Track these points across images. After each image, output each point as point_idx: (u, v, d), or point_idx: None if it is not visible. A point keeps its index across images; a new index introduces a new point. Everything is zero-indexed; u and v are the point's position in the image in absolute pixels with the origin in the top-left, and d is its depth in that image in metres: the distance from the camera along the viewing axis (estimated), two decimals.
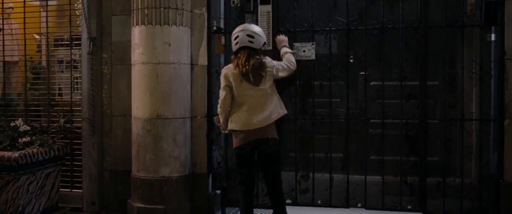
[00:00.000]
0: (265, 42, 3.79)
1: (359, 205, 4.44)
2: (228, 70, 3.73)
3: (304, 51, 4.43)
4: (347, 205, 4.45)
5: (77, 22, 4.86)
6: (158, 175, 4.34)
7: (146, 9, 4.33)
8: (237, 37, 3.69)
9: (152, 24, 4.32)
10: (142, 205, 4.36)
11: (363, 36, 4.35)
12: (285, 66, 3.81)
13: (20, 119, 4.65)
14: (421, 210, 4.28)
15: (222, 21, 4.73)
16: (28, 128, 4.49)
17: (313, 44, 4.41)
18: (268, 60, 3.73)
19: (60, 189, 4.76)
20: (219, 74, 4.55)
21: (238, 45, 3.68)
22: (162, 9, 4.32)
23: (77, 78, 4.94)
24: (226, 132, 3.86)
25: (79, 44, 4.84)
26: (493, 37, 4.26)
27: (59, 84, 5.10)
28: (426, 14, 4.20)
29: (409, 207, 4.38)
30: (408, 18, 4.33)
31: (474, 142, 4.49)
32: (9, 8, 5.36)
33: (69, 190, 4.90)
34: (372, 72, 4.62)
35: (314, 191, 4.49)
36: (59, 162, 4.64)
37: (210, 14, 4.57)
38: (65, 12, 4.97)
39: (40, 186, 4.43)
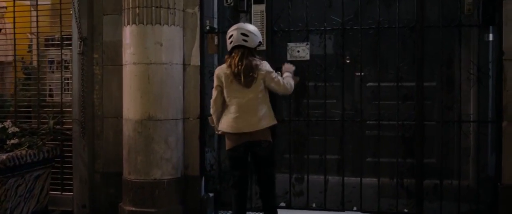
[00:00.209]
0: (260, 42, 3.71)
1: (355, 208, 4.38)
2: (220, 70, 3.67)
3: (298, 51, 4.37)
4: (342, 208, 4.38)
5: (68, 22, 4.77)
6: (150, 177, 4.27)
7: (137, 8, 4.26)
8: (231, 36, 3.63)
9: (143, 24, 4.25)
10: (134, 208, 4.28)
11: (359, 36, 4.29)
12: (281, 82, 3.64)
13: (8, 120, 4.56)
14: (417, 213, 4.21)
15: (215, 21, 4.68)
16: (17, 129, 4.40)
17: (307, 44, 4.35)
18: (264, 64, 3.62)
19: (50, 192, 4.67)
20: (212, 74, 4.50)
21: (232, 44, 3.62)
22: (153, 8, 4.25)
23: (68, 79, 4.86)
24: (219, 133, 3.78)
25: (70, 44, 4.76)
26: (491, 37, 4.22)
27: (50, 85, 5.02)
28: (423, 13, 4.14)
29: (406, 210, 4.32)
30: (405, 17, 4.27)
31: (471, 144, 4.44)
32: (3, 8, 5.27)
33: (60, 192, 4.83)
34: (368, 73, 4.57)
35: (308, 194, 4.43)
36: (49, 164, 4.54)
37: (203, 13, 4.51)
38: (56, 12, 4.88)
39: (29, 189, 4.34)
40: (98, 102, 4.74)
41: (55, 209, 4.76)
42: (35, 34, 4.90)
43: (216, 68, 4.54)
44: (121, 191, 4.43)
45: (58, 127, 4.71)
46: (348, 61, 4.59)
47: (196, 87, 4.48)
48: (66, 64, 4.86)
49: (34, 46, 5.02)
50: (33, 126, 4.79)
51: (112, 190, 4.65)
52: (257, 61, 3.58)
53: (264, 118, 3.57)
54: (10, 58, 5.17)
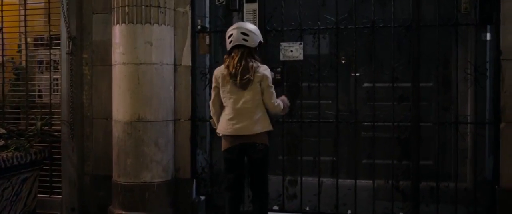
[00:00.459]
0: (261, 41, 3.60)
1: (349, 211, 4.30)
2: (218, 71, 3.58)
3: (291, 51, 4.29)
4: (336, 212, 4.31)
5: (57, 21, 4.69)
6: (139, 180, 4.20)
7: (127, 7, 4.19)
8: (231, 35, 3.52)
9: (133, 23, 4.17)
10: (123, 212, 4.21)
11: (353, 35, 4.21)
12: (273, 96, 3.50)
13: None
14: None
15: (207, 20, 4.61)
16: (4, 131, 4.32)
17: (301, 44, 4.28)
18: (263, 67, 3.50)
19: (39, 195, 4.59)
20: (204, 75, 4.50)
21: (232, 44, 3.51)
22: (143, 7, 4.18)
23: (57, 80, 4.78)
24: (220, 135, 3.67)
25: (59, 44, 4.69)
26: (488, 36, 4.16)
27: (39, 86, 4.94)
28: (419, 12, 4.07)
29: (402, 213, 4.24)
30: (400, 16, 4.20)
31: (469, 146, 4.37)
32: None
33: (48, 195, 4.75)
34: (363, 73, 4.49)
35: (302, 197, 4.34)
36: (37, 166, 4.45)
37: (194, 12, 4.45)
38: (45, 11, 4.80)
39: (16, 192, 4.25)
40: (87, 103, 4.66)
41: (43, 213, 4.68)
42: (24, 33, 4.81)
43: (207, 68, 4.54)
44: (111, 194, 4.36)
45: (46, 128, 4.63)
46: (343, 61, 4.52)
47: (187, 88, 4.41)
48: (55, 65, 4.79)
49: (23, 46, 4.94)
50: (21, 127, 4.70)
51: (102, 193, 4.57)
52: (255, 63, 3.48)
53: (259, 122, 3.47)
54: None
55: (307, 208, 4.37)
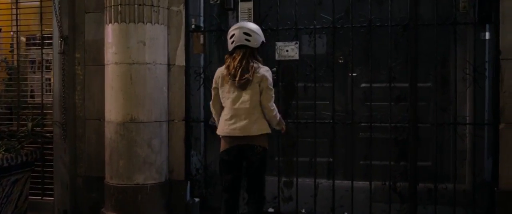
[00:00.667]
0: (263, 41, 3.55)
1: (346, 213, 4.22)
2: (219, 72, 3.54)
3: (287, 51, 4.23)
4: None
5: (49, 20, 4.64)
6: (132, 182, 4.15)
7: (119, 6, 4.15)
8: (233, 35, 3.46)
9: (125, 22, 4.13)
10: None
11: (350, 34, 4.15)
12: (272, 100, 3.45)
13: None
14: None
15: (201, 19, 4.55)
16: None
17: (296, 43, 4.22)
18: (263, 69, 3.44)
19: (30, 197, 4.54)
20: (198, 75, 4.46)
21: (234, 44, 3.45)
22: (136, 6, 4.13)
23: (49, 80, 4.72)
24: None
25: (51, 44, 4.63)
26: (487, 35, 4.12)
27: (31, 86, 4.88)
28: (417, 11, 4.00)
29: None
30: (397, 15, 4.14)
31: (467, 147, 4.30)
32: None
33: (40, 197, 4.71)
34: (360, 73, 4.43)
35: (298, 199, 4.28)
36: (28, 168, 4.40)
37: (188, 11, 4.40)
38: (38, 9, 4.74)
39: (6, 194, 4.19)
40: (80, 104, 4.62)
41: None
42: (16, 32, 4.76)
43: (201, 68, 4.49)
44: (104, 196, 4.30)
45: (38, 129, 4.58)
46: (341, 61, 4.46)
47: (181, 88, 4.37)
48: (48, 64, 4.73)
49: (15, 46, 4.89)
50: (12, 128, 4.64)
51: (95, 195, 4.53)
52: (256, 63, 3.42)
53: (257, 123, 3.42)
54: None
55: (303, 211, 4.32)
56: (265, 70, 3.43)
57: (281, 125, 3.62)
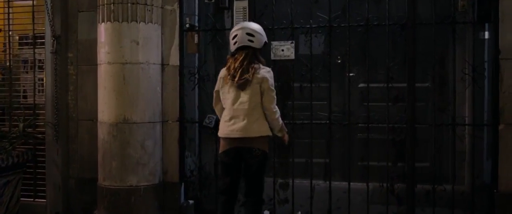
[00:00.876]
0: (266, 42, 3.51)
1: None
2: (221, 73, 3.50)
3: (282, 50, 4.17)
4: None
5: (42, 19, 4.58)
6: (125, 184, 4.09)
7: (112, 5, 4.09)
8: (235, 36, 3.41)
9: (118, 21, 4.08)
10: None
11: (347, 34, 4.10)
12: (274, 102, 3.40)
13: None
14: None
15: (196, 19, 4.50)
16: None
17: (292, 42, 4.16)
18: (264, 69, 3.39)
19: (22, 199, 4.49)
20: (192, 75, 4.43)
21: (236, 45, 3.40)
22: (129, 4, 4.08)
23: (42, 80, 4.66)
24: None
25: (44, 43, 4.57)
26: (486, 35, 4.08)
27: (23, 86, 4.82)
28: (414, 10, 3.97)
29: None
30: (395, 14, 4.08)
31: (467, 148, 4.26)
32: None
33: (32, 199, 4.64)
34: (357, 73, 4.40)
35: (294, 201, 4.22)
36: (19, 169, 4.35)
37: (183, 10, 4.35)
38: (29, 8, 4.68)
39: None
40: (72, 104, 4.56)
41: None
42: (7, 31, 4.70)
43: (196, 68, 4.44)
44: (97, 198, 4.24)
45: (30, 130, 4.52)
46: (339, 61, 4.42)
47: (175, 89, 4.32)
48: (41, 64, 4.67)
49: (7, 45, 4.83)
50: (4, 129, 4.58)
51: (88, 197, 4.47)
52: (257, 64, 3.38)
53: (256, 125, 3.35)
54: None
55: (299, 213, 4.26)
56: (266, 71, 3.38)
57: (283, 131, 3.56)
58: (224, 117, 3.43)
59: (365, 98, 4.18)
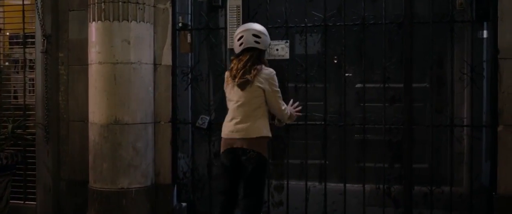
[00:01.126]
0: (270, 43, 3.50)
1: None
2: (226, 75, 3.48)
3: (277, 50, 4.12)
4: None
5: (32, 18, 4.52)
6: (116, 186, 4.03)
7: (103, 3, 4.03)
8: (241, 37, 3.36)
9: (109, 20, 4.02)
10: None
11: (342, 33, 4.05)
12: (280, 99, 3.36)
13: None
14: None
15: (189, 18, 4.43)
16: None
17: (287, 42, 4.11)
18: (267, 71, 3.33)
19: (12, 201, 4.44)
20: (185, 75, 4.39)
21: (242, 47, 3.35)
22: (120, 3, 4.03)
23: (32, 80, 4.59)
24: None
25: (34, 43, 4.50)
26: (485, 34, 4.05)
27: (14, 86, 4.76)
28: (411, 8, 3.93)
29: None
30: (392, 13, 4.05)
31: (465, 149, 4.21)
32: None
33: (22, 202, 4.58)
34: (352, 73, 4.35)
35: (288, 204, 4.17)
36: (9, 171, 4.30)
37: (175, 9, 4.30)
38: (19, 7, 4.61)
39: None
40: (63, 105, 4.49)
41: None
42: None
43: (189, 68, 4.37)
44: (88, 201, 4.17)
45: (19, 131, 4.45)
46: (335, 61, 4.37)
47: (168, 89, 4.26)
48: (31, 64, 4.61)
49: None
50: None
51: (79, 199, 4.40)
52: (260, 65, 3.33)
53: (254, 126, 3.29)
54: None
55: None
56: (269, 72, 3.35)
57: (293, 117, 3.54)
58: (227, 117, 3.41)
59: (361, 99, 4.15)
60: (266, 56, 3.98)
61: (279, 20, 4.11)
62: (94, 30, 4.06)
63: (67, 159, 4.48)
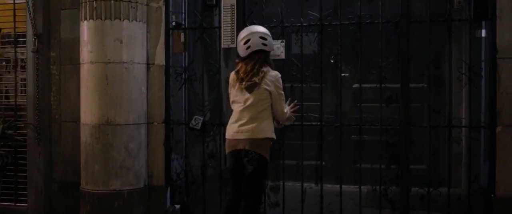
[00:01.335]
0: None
1: None
2: (230, 77, 3.49)
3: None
4: None
5: (23, 17, 4.46)
6: (108, 188, 3.99)
7: (95, 2, 3.99)
8: (248, 40, 3.36)
9: (101, 19, 3.98)
10: None
11: (338, 32, 4.02)
12: (284, 103, 3.43)
13: None
14: None
15: (183, 16, 4.41)
16: None
17: (282, 41, 4.07)
18: (274, 73, 3.35)
19: (2, 203, 4.41)
20: (179, 75, 4.37)
21: (250, 50, 3.36)
22: (113, 2, 3.99)
23: (24, 80, 4.54)
24: None
25: (26, 42, 4.46)
26: (483, 33, 4.04)
27: (5, 87, 4.70)
28: (408, 7, 3.90)
29: None
30: (388, 12, 4.03)
31: (463, 150, 4.21)
32: None
33: (13, 204, 4.54)
34: (349, 73, 4.36)
35: (284, 205, 4.13)
36: None
37: (169, 8, 4.27)
38: (10, 6, 4.56)
39: None
40: (55, 105, 4.45)
41: None
42: None
43: (183, 68, 4.32)
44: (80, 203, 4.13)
45: (10, 132, 4.39)
46: (332, 61, 4.36)
47: (161, 89, 4.23)
48: (23, 64, 4.55)
49: None
50: None
51: (71, 201, 4.36)
52: (266, 68, 3.35)
53: (258, 127, 3.30)
54: None
55: None
56: (275, 75, 3.38)
57: (292, 118, 3.58)
58: (231, 119, 3.42)
59: (357, 99, 4.12)
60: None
61: (274, 20, 4.09)
62: (86, 29, 4.01)
63: (59, 160, 4.44)
